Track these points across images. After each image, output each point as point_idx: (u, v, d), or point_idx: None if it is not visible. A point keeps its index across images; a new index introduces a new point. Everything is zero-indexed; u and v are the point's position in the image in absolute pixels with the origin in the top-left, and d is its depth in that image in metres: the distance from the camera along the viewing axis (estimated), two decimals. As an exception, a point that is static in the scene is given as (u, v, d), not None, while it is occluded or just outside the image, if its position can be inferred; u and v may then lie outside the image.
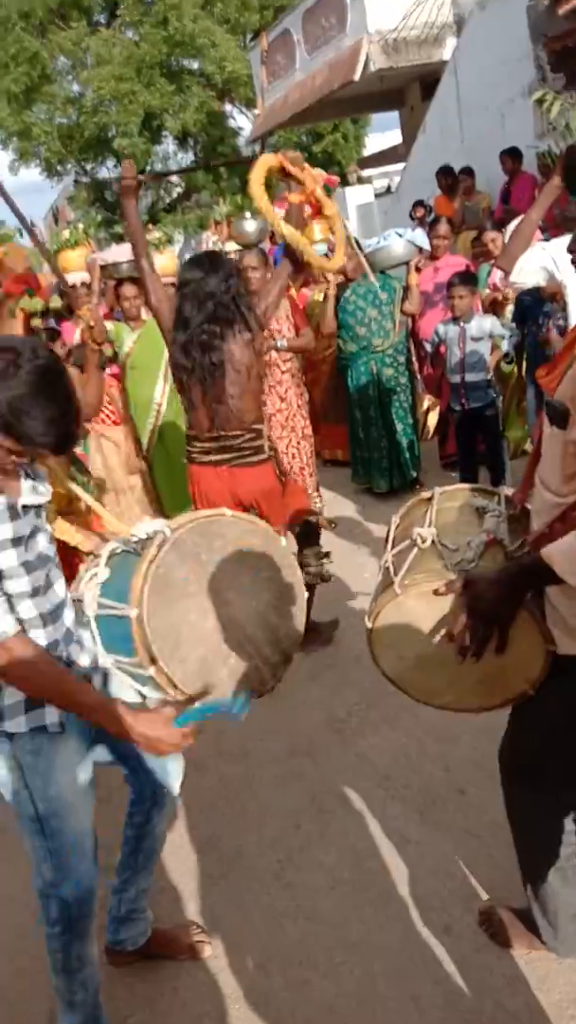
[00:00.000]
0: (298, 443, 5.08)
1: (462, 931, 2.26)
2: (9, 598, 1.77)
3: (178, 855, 2.73)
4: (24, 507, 1.80)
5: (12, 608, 1.76)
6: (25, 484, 1.83)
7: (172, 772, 2.14)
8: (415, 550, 1.88)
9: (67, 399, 1.72)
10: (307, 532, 3.81)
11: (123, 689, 2.04)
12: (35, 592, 1.83)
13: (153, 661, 1.89)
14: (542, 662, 1.73)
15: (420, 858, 2.54)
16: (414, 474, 5.85)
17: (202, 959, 2.31)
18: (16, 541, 1.77)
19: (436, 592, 1.73)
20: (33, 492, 1.85)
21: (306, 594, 2.22)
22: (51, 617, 1.86)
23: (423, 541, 1.87)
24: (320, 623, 3.91)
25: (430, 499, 2.10)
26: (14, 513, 1.77)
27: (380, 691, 3.39)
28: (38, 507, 1.87)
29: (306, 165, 3.51)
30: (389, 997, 2.11)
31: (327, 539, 4.09)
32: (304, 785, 2.99)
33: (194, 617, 1.95)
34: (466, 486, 2.22)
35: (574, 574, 1.51)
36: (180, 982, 2.26)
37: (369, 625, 1.87)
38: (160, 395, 5.42)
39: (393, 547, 1.99)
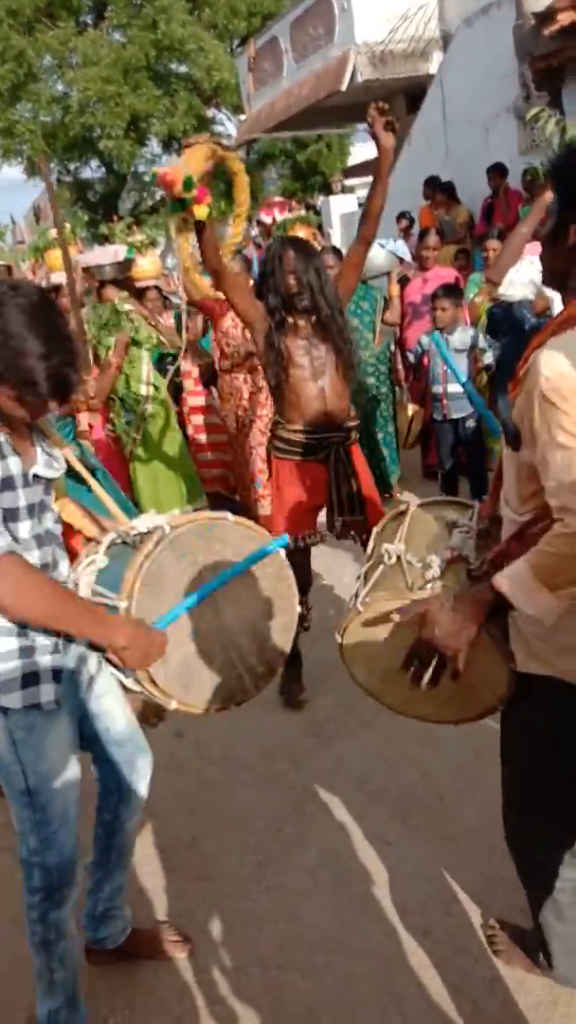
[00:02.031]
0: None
1: (440, 934, 2.29)
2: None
3: (158, 856, 2.72)
4: (35, 476, 1.81)
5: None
6: (41, 456, 1.84)
7: (140, 768, 2.15)
8: (381, 566, 1.93)
9: (57, 334, 1.68)
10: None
11: (109, 681, 2.06)
12: (43, 568, 1.84)
13: None
14: (506, 680, 1.77)
15: (399, 862, 2.56)
16: (394, 482, 5.90)
17: (182, 959, 2.31)
18: (30, 510, 1.79)
19: (391, 617, 1.73)
20: (48, 466, 1.85)
21: (299, 608, 2.23)
22: None
23: (389, 558, 1.93)
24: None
25: (405, 513, 2.14)
26: (26, 481, 1.78)
27: (358, 696, 3.36)
28: (48, 482, 1.88)
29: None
30: (369, 999, 2.13)
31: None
32: (284, 789, 3.01)
33: (182, 618, 1.96)
34: (442, 499, 2.26)
35: (524, 601, 1.52)
36: (160, 982, 2.26)
37: (339, 640, 1.93)
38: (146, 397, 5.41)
39: (368, 561, 2.04)
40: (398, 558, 1.91)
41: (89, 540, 2.16)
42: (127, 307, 5.44)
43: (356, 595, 1.93)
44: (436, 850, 2.59)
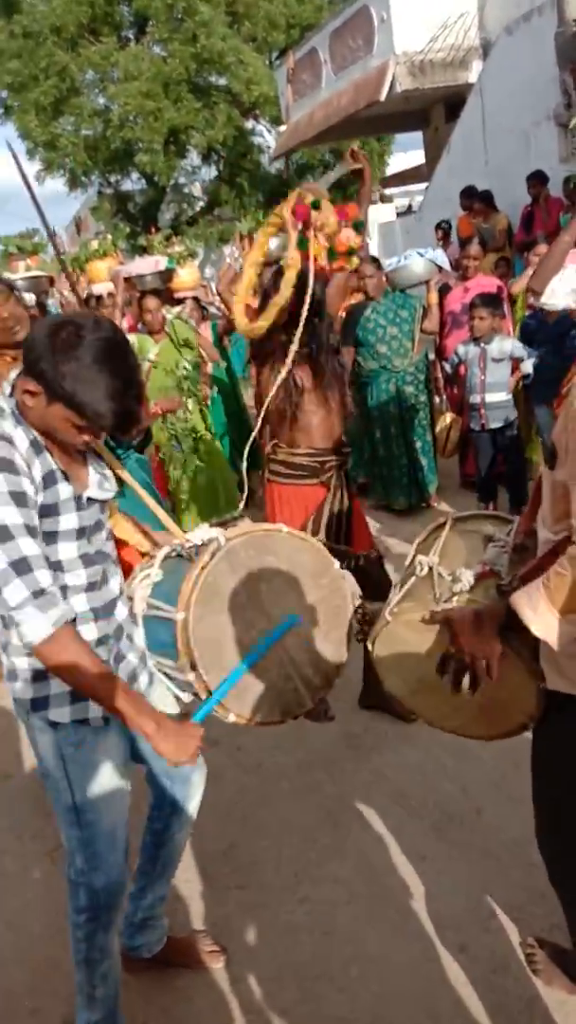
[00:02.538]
0: None
1: (478, 951, 2.26)
2: (64, 590, 1.78)
3: (194, 864, 2.73)
4: (89, 499, 1.83)
5: (63, 600, 1.75)
6: (93, 477, 1.86)
7: (194, 783, 2.16)
8: (413, 577, 1.94)
9: (129, 374, 1.71)
10: None
11: (164, 696, 2.06)
12: (91, 587, 1.85)
13: (193, 667, 1.90)
14: (535, 698, 1.74)
15: (437, 876, 2.53)
16: (431, 492, 5.87)
17: (217, 969, 2.31)
18: (80, 532, 1.80)
19: (423, 620, 1.77)
20: (100, 487, 1.87)
21: (351, 619, 2.23)
22: (103, 612, 1.89)
23: (421, 569, 1.93)
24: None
25: (444, 525, 2.13)
26: (79, 504, 1.80)
27: (397, 707, 3.40)
28: (103, 502, 1.90)
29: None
30: (405, 1015, 2.10)
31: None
32: (320, 799, 2.99)
33: (238, 629, 1.97)
34: (481, 513, 2.25)
35: (532, 621, 1.51)
36: (195, 991, 2.26)
37: (369, 648, 1.93)
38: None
39: (405, 570, 2.05)
40: (430, 569, 1.91)
41: (143, 555, 2.18)
42: (176, 309, 5.50)
43: (389, 603, 1.93)
44: (474, 865, 2.56)
